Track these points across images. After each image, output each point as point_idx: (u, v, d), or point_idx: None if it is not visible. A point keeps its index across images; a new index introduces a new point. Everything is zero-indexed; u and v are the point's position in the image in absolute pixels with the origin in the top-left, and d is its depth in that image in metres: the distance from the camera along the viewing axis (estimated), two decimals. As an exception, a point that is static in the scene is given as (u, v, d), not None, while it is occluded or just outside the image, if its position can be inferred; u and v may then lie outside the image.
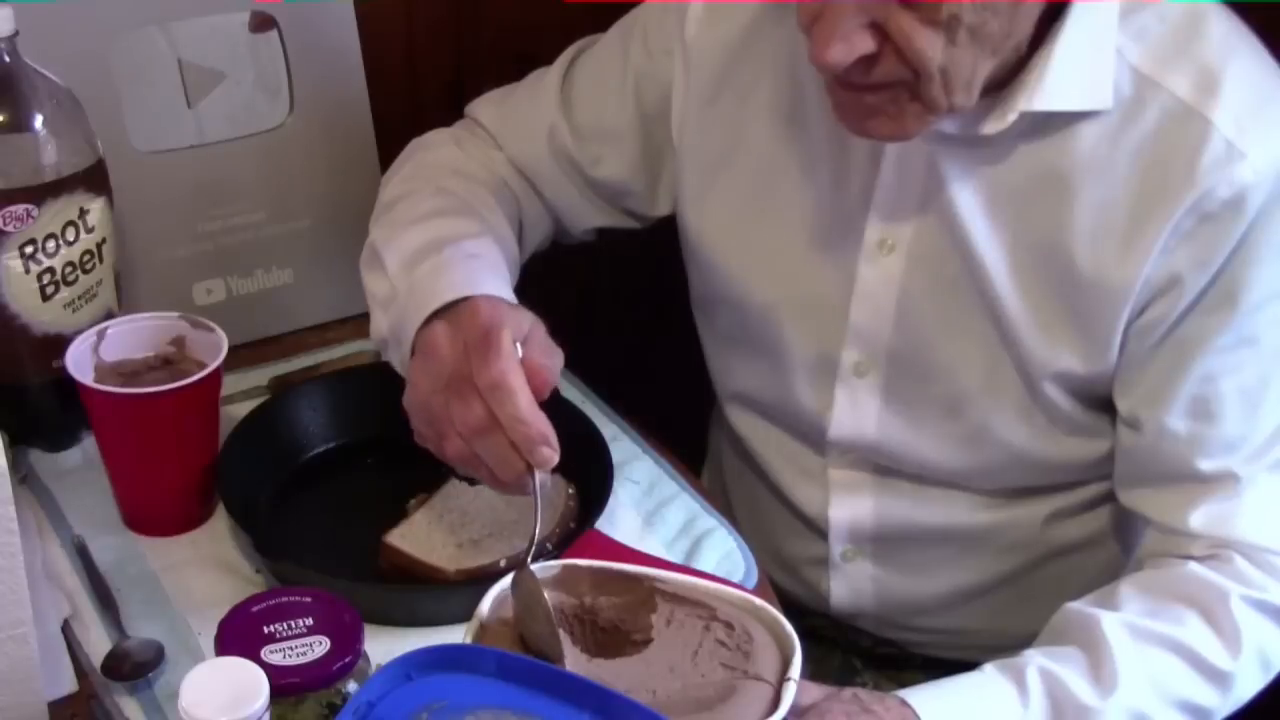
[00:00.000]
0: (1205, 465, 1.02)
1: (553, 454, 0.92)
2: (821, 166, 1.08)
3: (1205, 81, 0.96)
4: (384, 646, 0.91)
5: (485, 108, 1.24)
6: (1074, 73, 0.95)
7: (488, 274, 1.02)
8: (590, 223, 1.25)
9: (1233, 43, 0.99)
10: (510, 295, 1.02)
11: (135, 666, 0.92)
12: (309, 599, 0.88)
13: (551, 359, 0.96)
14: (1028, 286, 1.02)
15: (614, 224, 1.25)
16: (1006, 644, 1.03)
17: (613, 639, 0.92)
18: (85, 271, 1.08)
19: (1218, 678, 0.99)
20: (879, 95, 0.93)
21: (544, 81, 1.21)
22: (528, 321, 0.97)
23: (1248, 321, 0.99)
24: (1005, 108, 0.96)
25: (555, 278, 1.28)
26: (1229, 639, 0.99)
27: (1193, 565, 1.01)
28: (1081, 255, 1.00)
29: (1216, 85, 0.96)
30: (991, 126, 0.97)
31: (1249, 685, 1.01)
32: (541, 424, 0.91)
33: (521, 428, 0.91)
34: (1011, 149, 1.00)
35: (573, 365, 1.26)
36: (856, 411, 1.12)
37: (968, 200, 1.02)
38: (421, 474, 1.09)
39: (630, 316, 1.63)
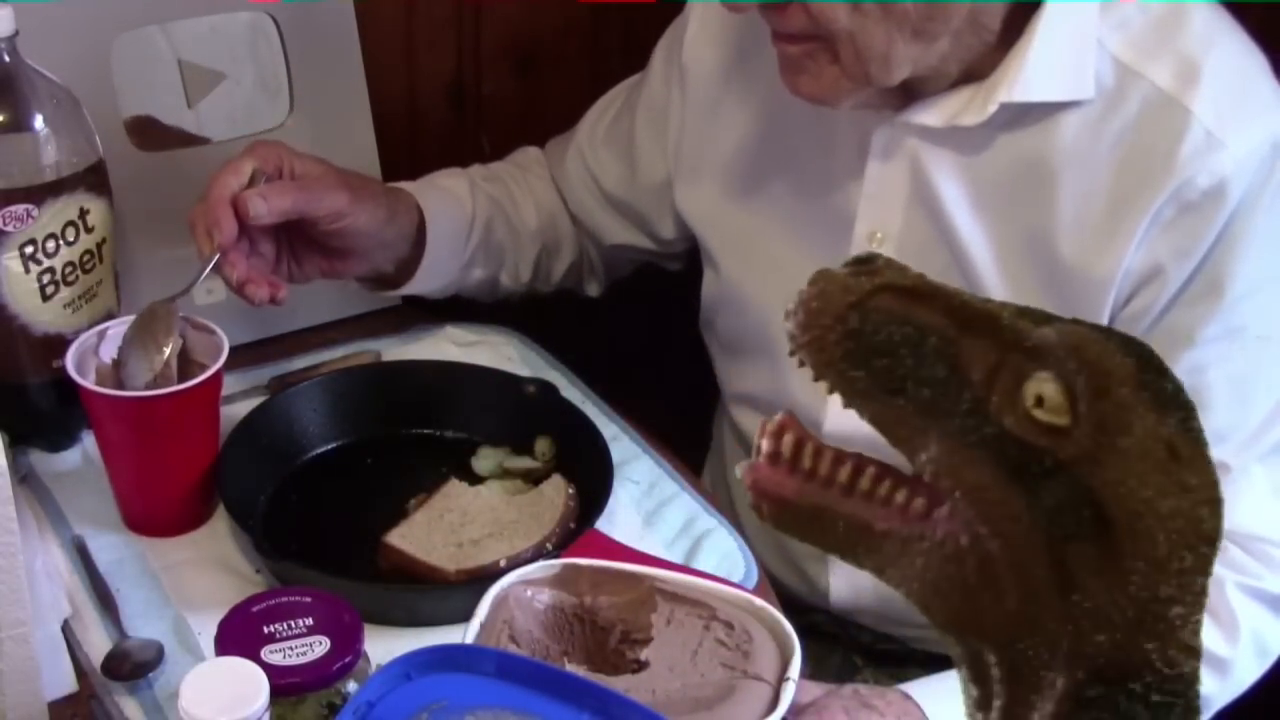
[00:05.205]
0: None
1: (210, 239, 1.06)
2: (811, 162, 1.09)
3: (1186, 71, 0.96)
4: (384, 646, 0.91)
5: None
6: (1054, 63, 0.95)
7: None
8: (614, 238, 1.28)
9: (1214, 33, 0.98)
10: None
11: (135, 666, 0.92)
12: (309, 599, 0.88)
13: (276, 195, 1.08)
14: (1014, 277, 1.02)
15: (638, 244, 1.29)
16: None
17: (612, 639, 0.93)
18: (85, 271, 1.08)
19: (1216, 664, 0.99)
20: (799, 47, 0.96)
21: (588, 113, 1.30)
22: (291, 167, 1.11)
23: (1234, 312, 0.98)
24: (985, 99, 0.97)
25: (555, 277, 1.28)
26: (1226, 626, 0.99)
27: (1187, 555, 1.02)
28: (1064, 245, 1.00)
29: (1197, 75, 0.96)
30: (972, 118, 0.97)
31: (1246, 672, 1.01)
32: (215, 212, 1.06)
33: (205, 210, 1.06)
34: (993, 140, 1.00)
35: (573, 365, 1.26)
36: None
37: (952, 192, 1.02)
38: (421, 474, 1.09)
39: (631, 317, 1.63)
